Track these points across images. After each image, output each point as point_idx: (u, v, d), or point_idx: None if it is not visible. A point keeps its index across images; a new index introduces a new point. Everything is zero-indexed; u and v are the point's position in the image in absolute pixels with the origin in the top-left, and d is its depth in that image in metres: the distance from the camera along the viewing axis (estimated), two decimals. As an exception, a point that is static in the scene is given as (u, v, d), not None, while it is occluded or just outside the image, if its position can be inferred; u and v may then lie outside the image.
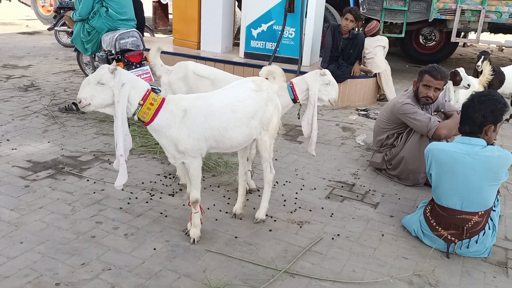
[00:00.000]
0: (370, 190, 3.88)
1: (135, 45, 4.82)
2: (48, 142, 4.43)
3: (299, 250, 2.94)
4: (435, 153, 2.88)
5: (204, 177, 3.90)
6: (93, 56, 5.54)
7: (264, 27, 6.74)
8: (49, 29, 7.57)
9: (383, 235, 3.19)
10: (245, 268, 2.74)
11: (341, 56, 6.14)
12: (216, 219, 3.24)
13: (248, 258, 2.82)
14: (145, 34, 9.33)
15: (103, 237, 2.94)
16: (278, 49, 6.60)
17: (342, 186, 3.92)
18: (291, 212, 3.42)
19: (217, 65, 6.76)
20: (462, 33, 9.51)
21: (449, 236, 2.92)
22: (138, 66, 4.79)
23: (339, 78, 6.11)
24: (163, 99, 2.69)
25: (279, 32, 6.51)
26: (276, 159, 4.37)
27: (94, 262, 2.68)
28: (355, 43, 5.97)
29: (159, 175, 3.89)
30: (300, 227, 3.23)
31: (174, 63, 7.07)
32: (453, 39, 7.50)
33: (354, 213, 3.47)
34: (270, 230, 3.15)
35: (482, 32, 7.50)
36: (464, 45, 10.22)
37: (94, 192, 3.52)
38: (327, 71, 3.35)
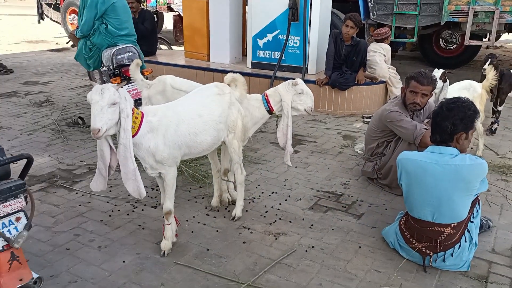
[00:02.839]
0: (357, 200, 3.79)
1: (131, 60, 4.91)
2: (49, 156, 4.60)
3: (269, 263, 2.90)
4: (404, 163, 2.79)
5: (190, 188, 3.95)
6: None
7: (270, 37, 6.75)
8: (67, 43, 7.88)
9: (360, 247, 3.11)
10: (209, 281, 2.73)
11: (345, 64, 6.05)
12: (192, 231, 3.26)
13: (215, 271, 2.81)
14: (162, 46, 9.61)
15: (77, 249, 3.02)
16: (283, 58, 6.59)
17: (329, 197, 3.85)
18: (270, 223, 3.39)
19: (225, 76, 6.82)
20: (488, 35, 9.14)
21: (423, 248, 2.81)
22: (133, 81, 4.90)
23: (343, 86, 6.04)
24: (142, 112, 2.75)
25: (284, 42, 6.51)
26: (267, 170, 4.35)
27: (63, 274, 2.76)
28: (358, 50, 5.87)
29: (146, 187, 3.93)
30: (276, 239, 3.19)
31: (185, 75, 7.23)
32: (467, 41, 7.23)
33: (335, 224, 3.40)
34: (244, 242, 3.13)
35: (500, 33, 7.19)
36: (488, 47, 9.82)
37: (80, 205, 3.62)
38: (299, 81, 3.32)
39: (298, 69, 6.55)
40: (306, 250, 3.05)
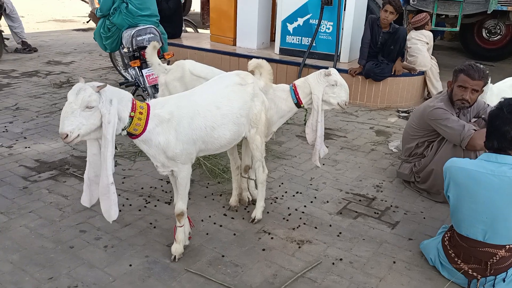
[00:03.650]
0: (391, 206, 3.41)
1: (152, 42, 4.63)
2: (63, 141, 4.37)
3: (290, 276, 2.58)
4: (453, 172, 2.40)
5: (208, 184, 3.65)
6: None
7: (300, 21, 6.33)
8: (87, 22, 7.65)
9: (394, 262, 2.75)
10: (223, 294, 2.44)
11: (381, 52, 5.59)
12: (207, 233, 2.96)
13: (229, 282, 2.51)
14: (188, 29, 9.30)
15: (81, 248, 2.76)
16: (314, 44, 6.17)
17: (360, 200, 3.48)
18: (293, 228, 3.06)
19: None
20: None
21: (470, 270, 2.43)
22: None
23: (378, 76, 5.61)
24: (148, 105, 2.44)
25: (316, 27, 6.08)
26: (292, 167, 4.01)
27: (63, 277, 2.50)
28: (396, 38, 5.40)
29: (162, 179, 3.67)
30: (299, 247, 2.86)
31: (209, 60, 6.91)
32: (517, 32, 6.64)
33: (366, 234, 3.04)
34: (264, 250, 2.81)
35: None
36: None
37: (90, 197, 3.37)
38: (332, 71, 2.94)
39: (330, 57, 6.13)
40: (333, 263, 2.71)
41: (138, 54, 4.63)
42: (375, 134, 4.93)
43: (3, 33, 7.87)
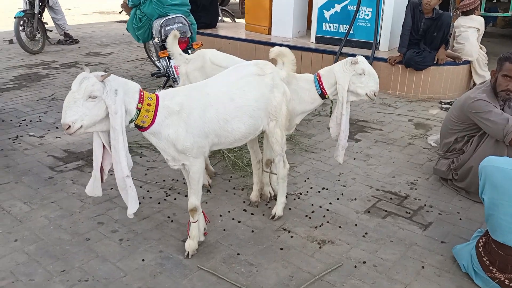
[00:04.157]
0: (425, 205, 3.17)
1: (181, 32, 4.56)
2: (92, 131, 4.40)
3: (308, 278, 2.43)
4: (490, 172, 2.15)
5: (231, 177, 3.54)
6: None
7: (338, 7, 6.06)
8: (120, 12, 7.72)
9: (423, 267, 2.53)
10: (234, 295, 2.32)
11: (423, 40, 5.24)
12: (224, 229, 2.85)
13: (242, 282, 2.39)
14: (225, 19, 9.21)
15: (97, 241, 2.73)
16: (352, 32, 5.89)
17: (391, 198, 3.26)
18: (315, 227, 2.89)
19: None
20: None
21: (506, 281, 2.19)
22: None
23: (419, 65, 5.28)
24: (157, 96, 2.35)
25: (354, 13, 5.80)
26: (320, 161, 3.82)
27: (75, 270, 2.47)
28: (440, 24, 5.04)
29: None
30: (320, 247, 2.69)
31: (243, 50, 6.78)
32: None
33: (394, 235, 2.83)
34: (282, 249, 2.67)
35: None
36: None
37: (112, 188, 3.34)
38: (360, 58, 2.72)
39: (368, 45, 5.84)
40: (355, 266, 2.53)
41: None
42: (414, 127, 4.64)
43: (46, 25, 8.10)
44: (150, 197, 3.24)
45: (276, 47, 2.72)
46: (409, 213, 3.07)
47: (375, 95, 2.80)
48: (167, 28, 4.53)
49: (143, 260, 2.56)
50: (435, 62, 5.25)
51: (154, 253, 2.62)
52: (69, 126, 2.05)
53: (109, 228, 2.86)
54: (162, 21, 4.53)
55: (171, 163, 2.44)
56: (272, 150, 2.82)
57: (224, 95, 2.44)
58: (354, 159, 3.87)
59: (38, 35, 7.81)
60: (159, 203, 3.17)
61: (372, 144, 4.20)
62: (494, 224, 2.17)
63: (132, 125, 2.27)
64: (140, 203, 3.13)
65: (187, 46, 4.57)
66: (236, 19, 9.33)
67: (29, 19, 7.51)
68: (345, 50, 5.87)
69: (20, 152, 3.90)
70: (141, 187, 3.37)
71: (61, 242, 2.72)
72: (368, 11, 5.80)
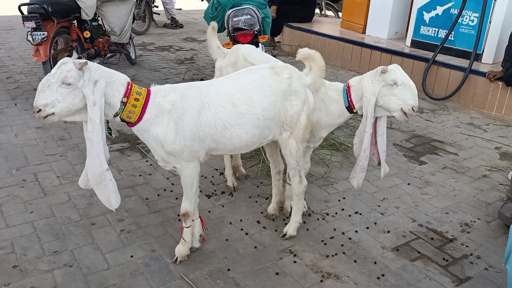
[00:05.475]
0: (471, 254, 2.61)
1: (248, 24, 4.38)
2: (151, 115, 4.47)
3: (290, 315, 2.13)
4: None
5: (261, 183, 3.31)
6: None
7: (439, 10, 5.37)
8: (202, 0, 7.77)
9: (436, 333, 2.07)
10: (202, 315, 2.13)
11: (534, 55, 4.40)
12: (227, 239, 2.65)
13: (218, 303, 2.19)
14: (328, 13, 8.83)
15: (100, 227, 2.73)
16: (452, 38, 5.19)
17: (432, 238, 2.75)
18: (327, 256, 2.55)
19: (375, 54, 5.78)
20: None
21: None
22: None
23: (524, 85, 4.43)
24: (149, 91, 2.22)
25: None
26: (367, 179, 3.40)
27: (66, 253, 2.48)
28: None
29: (217, 169, 3.47)
30: (321, 281, 2.36)
31: (332, 48, 6.40)
32: None
33: (416, 284, 2.36)
34: (277, 274, 2.39)
35: None
36: None
37: (140, 175, 3.35)
38: (392, 67, 2.27)
39: (470, 55, 5.07)
40: (351, 313, 2.16)
41: (233, 36, 4.44)
42: (499, 156, 3.91)
43: (155, 9, 8.52)
44: (171, 191, 3.16)
45: (306, 49, 2.40)
46: (447, 260, 2.55)
47: (414, 110, 2.33)
48: (234, 19, 4.38)
49: (131, 256, 2.48)
50: (546, 82, 4.37)
51: (146, 251, 2.53)
52: (40, 110, 2.00)
53: (117, 216, 2.84)
54: (230, 12, 4.40)
55: (161, 163, 2.31)
56: (287, 163, 2.53)
57: (226, 99, 2.21)
58: (408, 184, 3.37)
59: (146, 18, 8.26)
60: (176, 198, 3.07)
61: (438, 170, 3.62)
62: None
63: (118, 119, 2.17)
64: (158, 195, 3.10)
65: (251, 39, 4.37)
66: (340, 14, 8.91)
67: (138, 2, 7.96)
68: (441, 58, 5.20)
69: (77, 127, 4.09)
70: (167, 178, 3.31)
71: (69, 222, 2.76)
72: (474, 16, 5.03)
